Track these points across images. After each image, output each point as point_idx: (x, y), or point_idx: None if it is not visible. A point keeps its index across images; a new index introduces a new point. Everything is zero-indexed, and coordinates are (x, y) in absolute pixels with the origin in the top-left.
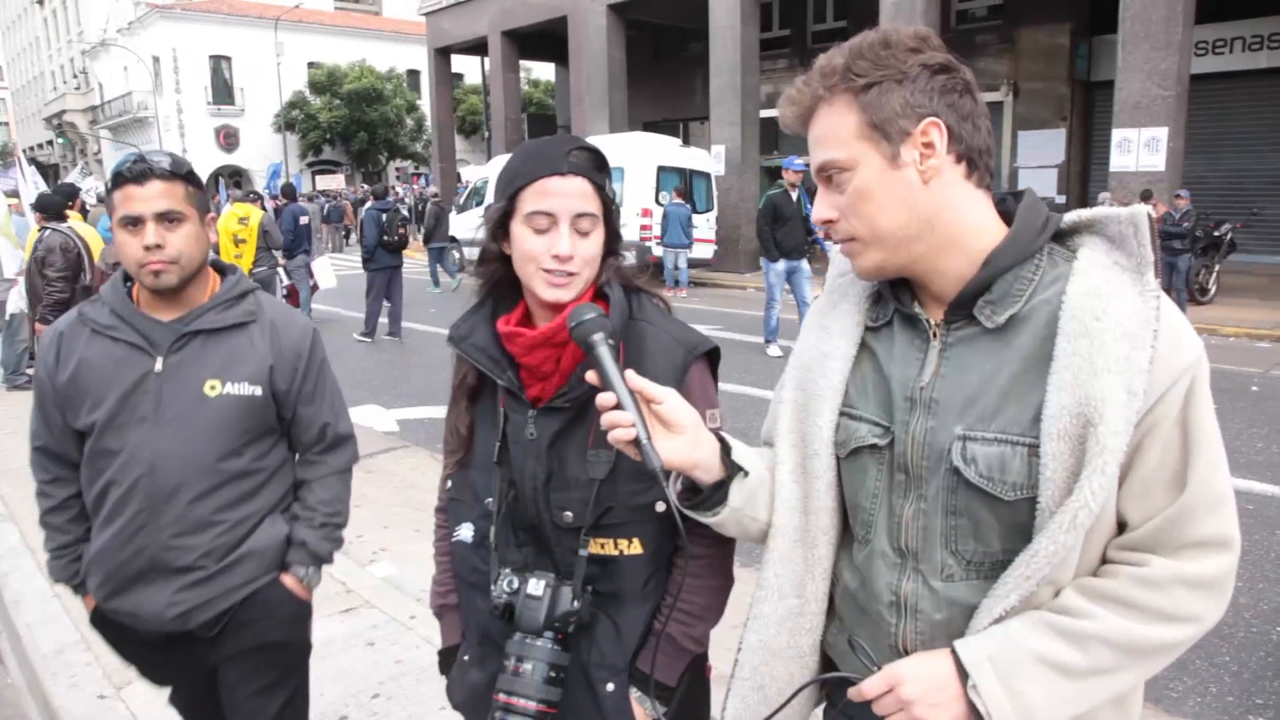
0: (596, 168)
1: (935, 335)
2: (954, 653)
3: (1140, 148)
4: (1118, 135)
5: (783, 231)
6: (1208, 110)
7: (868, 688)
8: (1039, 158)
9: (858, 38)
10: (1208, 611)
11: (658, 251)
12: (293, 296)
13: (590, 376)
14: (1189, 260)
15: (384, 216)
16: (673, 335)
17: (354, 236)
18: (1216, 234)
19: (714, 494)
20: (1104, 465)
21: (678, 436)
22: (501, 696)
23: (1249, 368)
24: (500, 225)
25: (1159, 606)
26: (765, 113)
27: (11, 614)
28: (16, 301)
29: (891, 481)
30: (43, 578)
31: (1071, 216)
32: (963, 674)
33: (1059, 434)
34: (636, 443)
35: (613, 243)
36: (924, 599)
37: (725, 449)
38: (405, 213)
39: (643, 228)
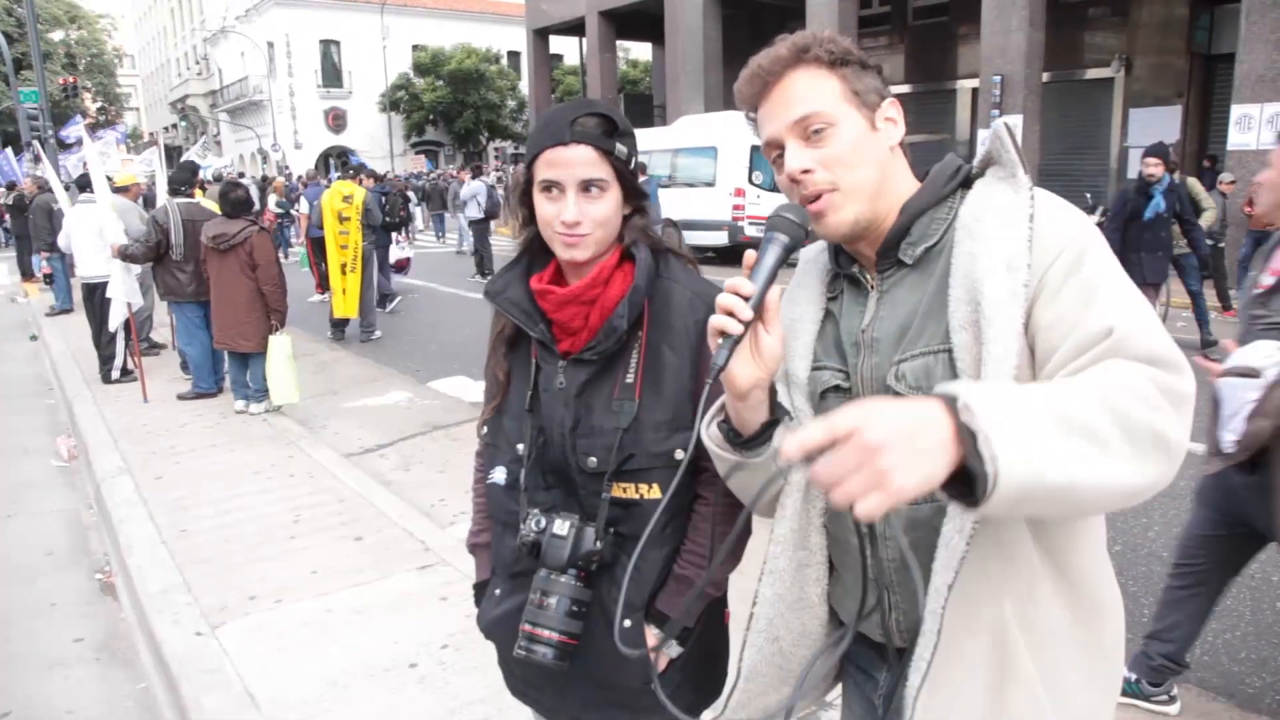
0: (604, 133)
1: (873, 287)
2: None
3: (1263, 124)
4: (1237, 111)
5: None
6: None
7: (808, 438)
8: (1151, 136)
9: (798, 35)
10: (1173, 429)
11: (751, 230)
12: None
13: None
14: None
15: (384, 199)
16: (696, 292)
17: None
18: None
19: (762, 433)
20: (995, 335)
21: (757, 366)
22: (527, 627)
23: None
24: (525, 192)
25: (1130, 383)
26: None
27: (125, 556)
28: (121, 313)
29: None
30: (152, 525)
31: (978, 160)
32: (952, 409)
33: (960, 324)
34: (724, 335)
35: (633, 200)
36: (892, 522)
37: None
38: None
39: (735, 207)
